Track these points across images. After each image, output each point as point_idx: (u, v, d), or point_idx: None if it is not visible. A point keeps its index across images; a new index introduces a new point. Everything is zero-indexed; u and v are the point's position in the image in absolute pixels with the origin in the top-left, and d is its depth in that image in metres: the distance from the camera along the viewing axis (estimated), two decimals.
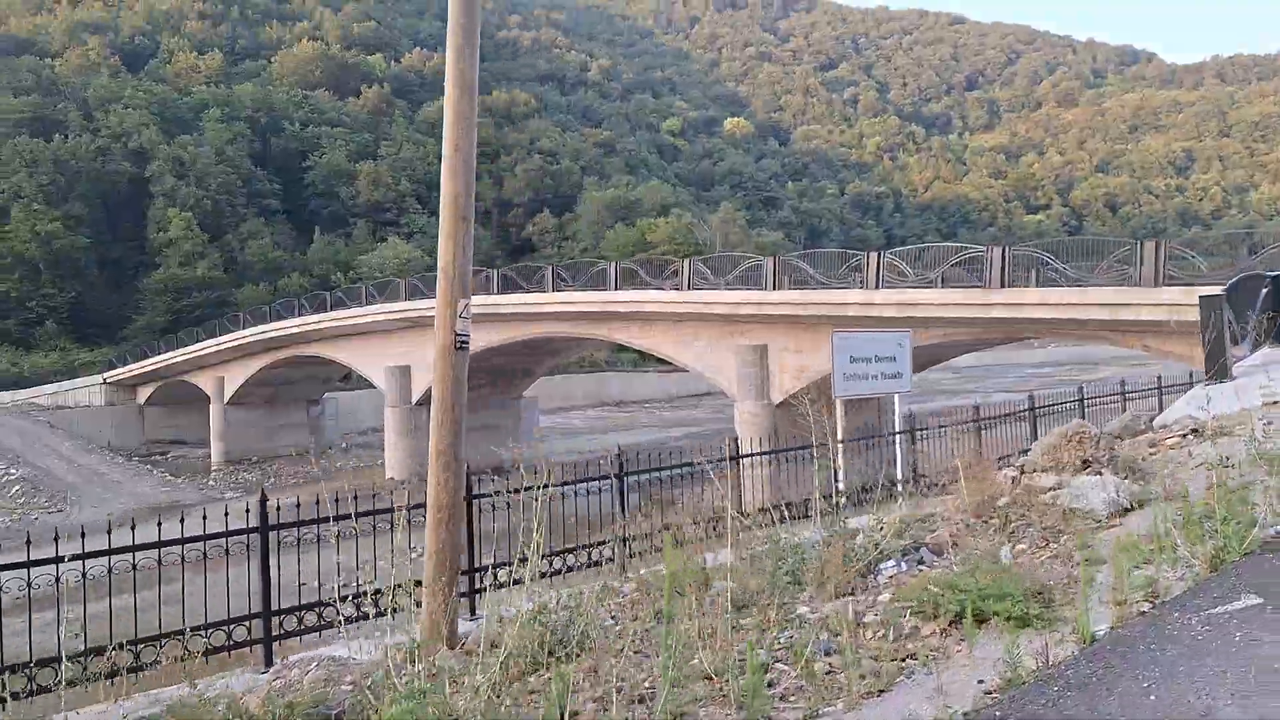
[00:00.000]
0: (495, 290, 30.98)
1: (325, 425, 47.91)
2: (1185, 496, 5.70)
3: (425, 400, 35.44)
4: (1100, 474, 6.53)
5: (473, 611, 7.19)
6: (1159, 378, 17.50)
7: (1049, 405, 14.95)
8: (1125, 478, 6.46)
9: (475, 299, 29.78)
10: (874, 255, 22.60)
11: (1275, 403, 7.86)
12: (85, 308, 61.11)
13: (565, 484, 8.20)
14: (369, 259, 73.32)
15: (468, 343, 5.41)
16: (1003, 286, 19.77)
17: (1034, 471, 6.76)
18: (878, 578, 5.18)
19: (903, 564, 5.35)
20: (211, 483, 36.62)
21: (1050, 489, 6.45)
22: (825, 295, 23.00)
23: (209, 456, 43.65)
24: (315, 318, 37.32)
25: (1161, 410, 11.30)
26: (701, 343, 27.68)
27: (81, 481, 32.85)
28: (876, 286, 22.21)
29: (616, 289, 27.83)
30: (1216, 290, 10.54)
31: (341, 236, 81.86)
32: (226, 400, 43.74)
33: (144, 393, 47.45)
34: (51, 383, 47.77)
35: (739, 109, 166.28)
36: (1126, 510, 5.96)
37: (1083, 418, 13.94)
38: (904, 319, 22.35)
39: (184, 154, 74.31)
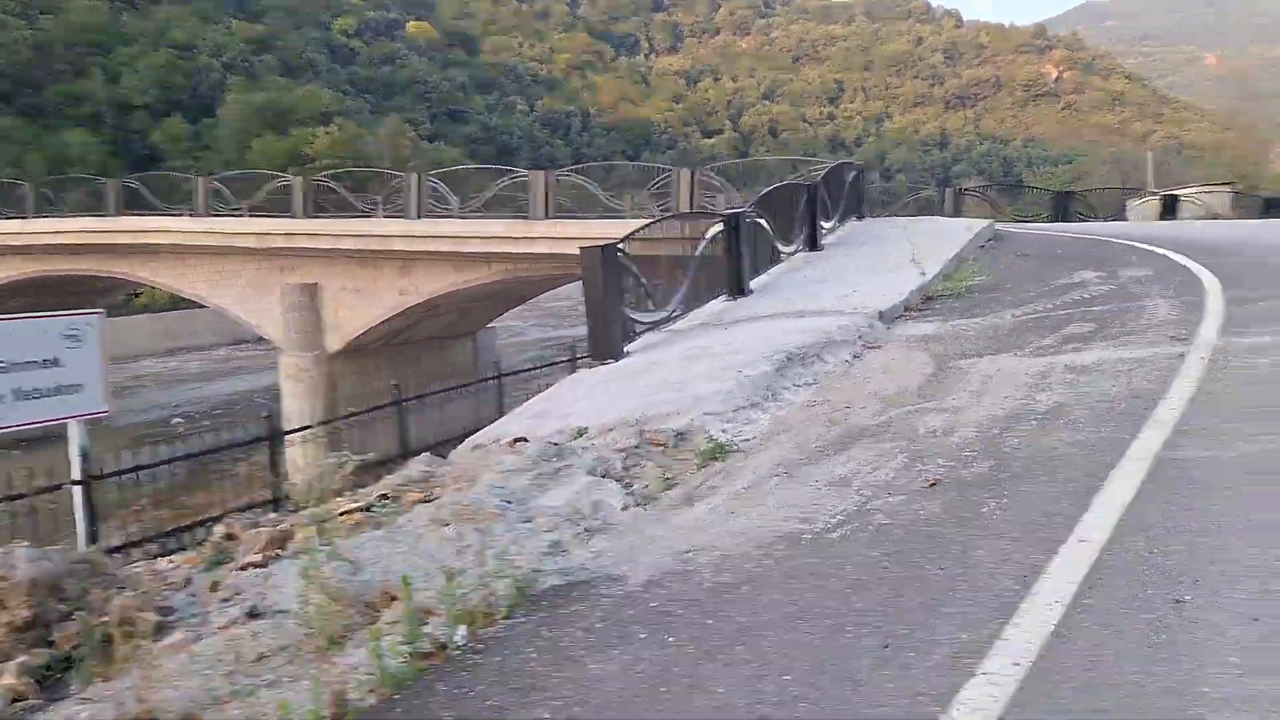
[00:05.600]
0: None
1: None
2: None
3: None
4: None
5: None
6: None
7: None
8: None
9: None
10: (413, 178, 18.54)
11: (520, 439, 4.64)
12: None
13: None
14: None
15: None
16: (546, 217, 16.55)
17: None
18: None
19: None
20: None
21: None
22: (355, 225, 18.69)
23: None
24: None
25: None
26: (243, 282, 22.39)
27: None
28: (418, 216, 18.23)
29: (118, 215, 21.62)
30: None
31: None
32: None
33: None
34: None
35: (425, 12, 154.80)
36: None
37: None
38: (453, 254, 18.70)
39: None
